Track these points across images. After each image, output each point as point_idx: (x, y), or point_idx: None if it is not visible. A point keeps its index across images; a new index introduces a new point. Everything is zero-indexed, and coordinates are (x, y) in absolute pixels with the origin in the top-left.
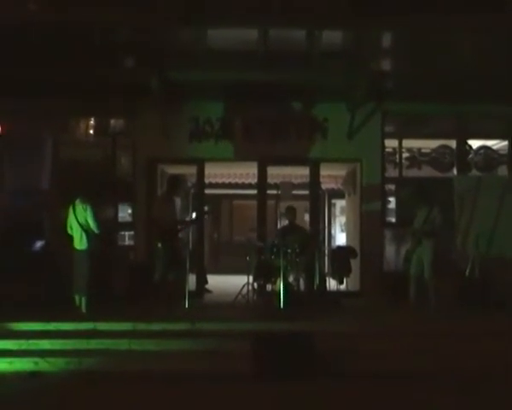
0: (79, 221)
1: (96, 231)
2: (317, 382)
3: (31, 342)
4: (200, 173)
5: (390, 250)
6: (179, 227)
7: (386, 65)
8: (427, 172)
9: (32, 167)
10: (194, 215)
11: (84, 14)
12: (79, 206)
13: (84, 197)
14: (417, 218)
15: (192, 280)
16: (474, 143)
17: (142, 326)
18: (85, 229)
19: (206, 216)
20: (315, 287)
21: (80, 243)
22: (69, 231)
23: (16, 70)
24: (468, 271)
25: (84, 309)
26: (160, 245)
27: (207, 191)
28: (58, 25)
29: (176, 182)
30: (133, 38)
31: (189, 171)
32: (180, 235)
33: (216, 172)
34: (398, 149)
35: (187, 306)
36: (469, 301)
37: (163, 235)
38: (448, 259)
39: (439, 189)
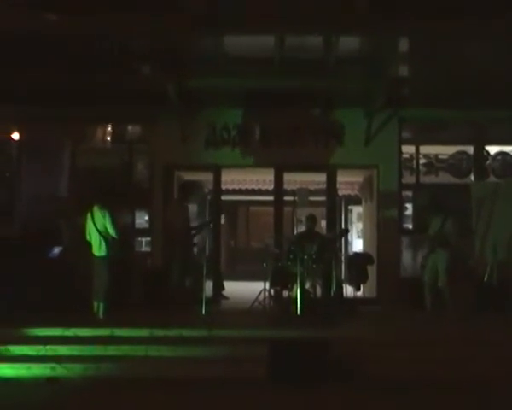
0: (98, 228)
1: (115, 236)
2: (333, 389)
3: (48, 347)
4: (217, 180)
5: (407, 257)
6: (192, 232)
7: (403, 71)
8: (444, 178)
9: (50, 174)
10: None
11: (103, 22)
12: (98, 212)
13: (102, 203)
14: (432, 226)
15: (209, 286)
16: (492, 149)
17: (158, 332)
18: (104, 235)
19: (222, 219)
20: (332, 294)
21: (99, 249)
22: (88, 238)
23: (35, 78)
24: (486, 277)
25: (101, 315)
26: (174, 251)
27: (224, 198)
28: (76, 33)
29: (189, 188)
30: (151, 45)
31: (206, 177)
32: (194, 240)
33: (233, 179)
34: (415, 156)
35: (203, 312)
36: (487, 308)
37: (177, 240)
38: (466, 265)
39: (457, 195)
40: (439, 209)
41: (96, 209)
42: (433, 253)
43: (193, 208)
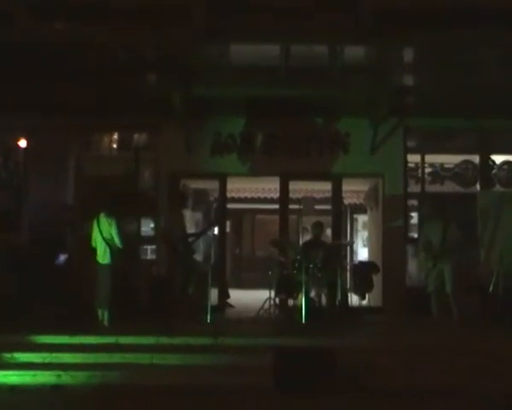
0: (104, 235)
1: (119, 245)
2: (339, 398)
3: (54, 355)
4: (222, 188)
5: (412, 266)
6: (190, 239)
7: (408, 80)
8: (449, 187)
9: (56, 182)
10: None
11: (109, 32)
12: (104, 219)
13: (108, 211)
14: (431, 234)
15: (214, 295)
16: (498, 159)
17: (164, 340)
18: (109, 243)
19: (213, 227)
20: (337, 302)
21: (103, 256)
22: (93, 245)
23: (41, 86)
24: (491, 287)
25: (106, 323)
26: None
27: (229, 206)
28: (83, 42)
29: (183, 195)
30: (156, 53)
31: (212, 185)
32: (192, 247)
33: (238, 187)
34: (420, 165)
35: (209, 320)
36: (492, 318)
37: (175, 248)
38: (471, 274)
39: (462, 204)
40: (438, 216)
41: (102, 217)
42: (438, 263)
43: (198, 217)
